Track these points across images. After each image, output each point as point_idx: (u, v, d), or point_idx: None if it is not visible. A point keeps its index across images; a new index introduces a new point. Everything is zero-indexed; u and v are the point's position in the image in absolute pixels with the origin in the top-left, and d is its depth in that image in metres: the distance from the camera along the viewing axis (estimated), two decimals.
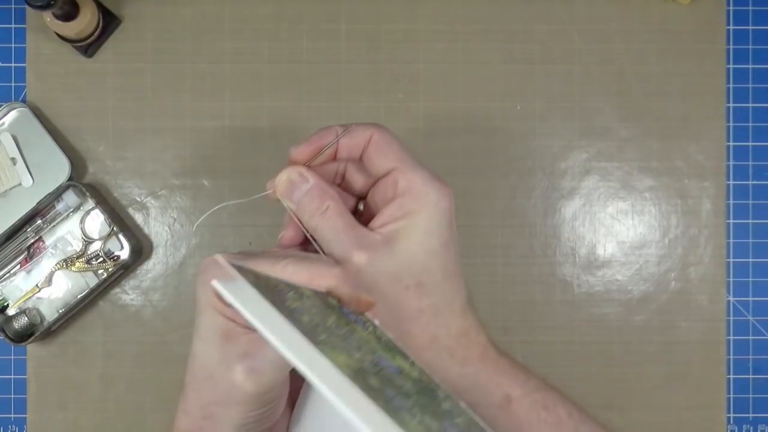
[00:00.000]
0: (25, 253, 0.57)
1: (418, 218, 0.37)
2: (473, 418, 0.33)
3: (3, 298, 0.57)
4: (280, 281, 0.33)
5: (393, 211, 0.38)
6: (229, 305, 0.29)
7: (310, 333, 0.28)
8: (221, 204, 0.46)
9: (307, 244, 0.40)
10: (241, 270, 0.31)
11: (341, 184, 0.41)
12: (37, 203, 0.56)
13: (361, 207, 0.42)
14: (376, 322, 0.36)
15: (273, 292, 0.30)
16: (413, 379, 0.32)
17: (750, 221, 0.59)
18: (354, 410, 0.24)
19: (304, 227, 0.39)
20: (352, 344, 0.31)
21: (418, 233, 0.37)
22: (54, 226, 0.57)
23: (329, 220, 0.37)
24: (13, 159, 0.57)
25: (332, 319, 0.32)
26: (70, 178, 0.56)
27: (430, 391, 0.32)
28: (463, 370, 0.37)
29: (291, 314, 0.29)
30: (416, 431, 0.26)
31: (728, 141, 0.59)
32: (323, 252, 0.38)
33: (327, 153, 0.41)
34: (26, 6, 0.54)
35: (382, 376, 0.29)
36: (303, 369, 0.25)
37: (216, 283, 0.29)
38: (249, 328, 0.34)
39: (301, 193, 0.39)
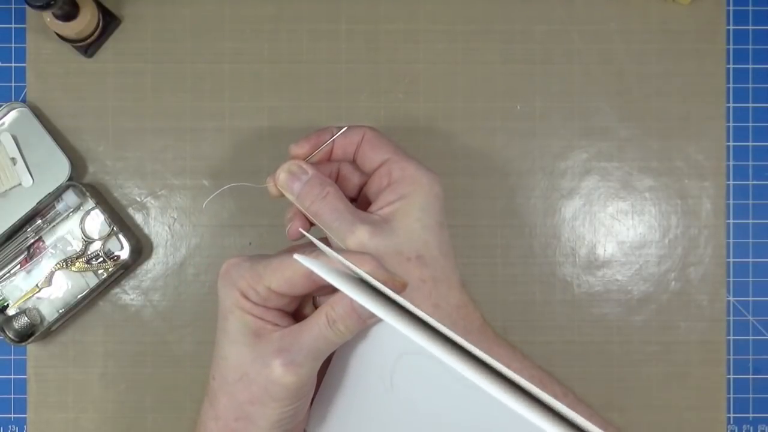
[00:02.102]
0: (25, 253, 0.57)
1: (413, 199, 0.40)
2: None
3: (3, 298, 0.57)
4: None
5: (388, 195, 0.40)
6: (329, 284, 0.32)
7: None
8: (231, 184, 0.47)
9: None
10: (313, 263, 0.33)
11: (336, 183, 0.43)
12: (37, 203, 0.56)
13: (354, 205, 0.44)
14: (403, 300, 0.38)
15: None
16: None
17: (750, 221, 0.59)
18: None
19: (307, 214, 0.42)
20: None
21: (414, 211, 0.40)
22: (54, 226, 0.57)
23: (330, 204, 0.40)
24: (13, 159, 0.57)
25: None
26: (70, 178, 0.56)
27: None
28: (465, 339, 0.38)
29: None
30: None
31: (728, 141, 0.59)
32: (332, 240, 0.40)
33: (323, 152, 0.43)
34: (26, 6, 0.54)
35: None
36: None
37: (309, 263, 0.32)
38: (278, 324, 0.36)
39: (301, 184, 0.41)
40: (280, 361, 0.34)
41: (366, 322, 0.35)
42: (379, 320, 0.35)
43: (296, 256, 0.32)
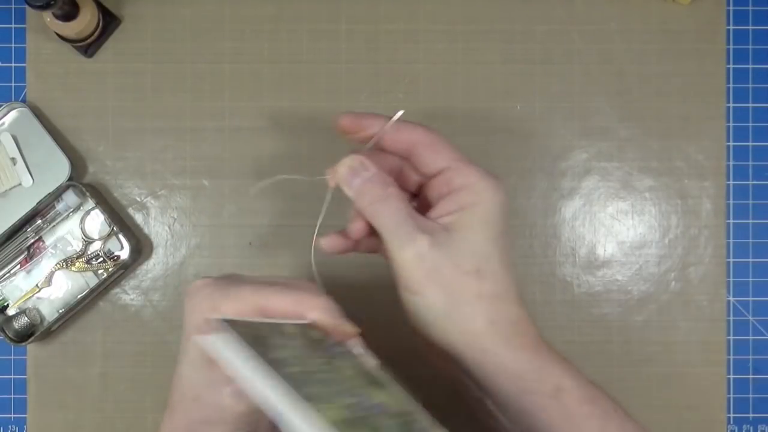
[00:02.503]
0: (25, 253, 0.57)
1: (475, 209, 0.38)
2: None
3: (3, 298, 0.57)
4: (266, 325, 0.33)
5: (449, 205, 0.39)
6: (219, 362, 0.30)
7: (301, 385, 0.29)
8: (282, 176, 0.45)
9: (374, 236, 0.40)
10: (231, 323, 0.31)
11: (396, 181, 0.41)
12: (37, 203, 0.56)
13: (414, 204, 0.42)
14: (356, 351, 0.37)
15: (261, 343, 0.30)
16: (394, 414, 0.33)
17: (750, 221, 0.59)
18: None
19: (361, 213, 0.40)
20: (341, 388, 0.32)
21: (476, 223, 0.38)
22: (54, 226, 0.57)
23: (391, 207, 0.38)
24: (13, 159, 0.57)
25: (318, 362, 0.33)
26: (70, 178, 0.56)
27: (408, 425, 0.33)
28: (518, 355, 0.38)
29: (281, 367, 0.29)
30: None
31: (728, 141, 0.59)
32: (385, 241, 0.39)
33: (368, 137, 0.41)
34: (26, 6, 0.54)
35: (370, 422, 0.30)
36: (299, 423, 0.26)
37: (202, 339, 0.30)
38: None
39: (361, 181, 0.39)
40: (230, 390, 0.35)
41: None
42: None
43: (199, 339, 0.31)
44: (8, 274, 0.57)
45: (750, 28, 0.59)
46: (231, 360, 0.29)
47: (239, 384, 0.29)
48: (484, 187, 0.39)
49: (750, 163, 0.59)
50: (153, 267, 0.59)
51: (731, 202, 0.59)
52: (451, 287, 0.37)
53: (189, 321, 0.37)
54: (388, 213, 0.38)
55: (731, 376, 0.58)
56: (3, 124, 0.57)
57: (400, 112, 0.41)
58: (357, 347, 0.37)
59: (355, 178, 0.40)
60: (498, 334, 0.38)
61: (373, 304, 0.58)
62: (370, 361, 0.37)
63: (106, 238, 0.57)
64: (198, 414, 0.36)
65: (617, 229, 0.59)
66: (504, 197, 0.39)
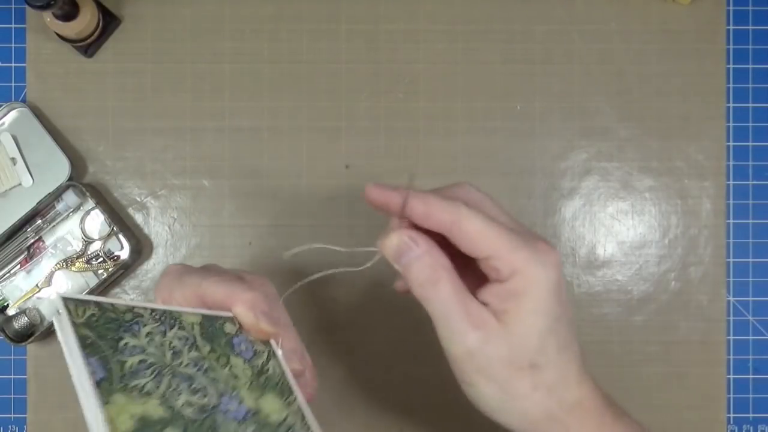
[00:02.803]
0: (25, 253, 0.57)
1: (526, 298, 0.35)
2: None
3: (3, 298, 0.57)
4: (137, 311, 0.34)
5: (498, 291, 0.35)
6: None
7: (121, 377, 0.30)
8: (313, 245, 0.39)
9: (448, 249, 0.37)
10: (76, 301, 0.31)
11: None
12: (37, 203, 0.56)
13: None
14: (279, 352, 0.38)
15: (110, 327, 0.32)
16: (265, 423, 0.34)
17: (750, 221, 0.59)
18: None
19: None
20: (195, 384, 0.33)
21: (528, 314, 0.35)
22: (54, 226, 0.57)
23: (440, 294, 0.35)
24: (13, 159, 0.57)
25: (195, 354, 0.34)
26: (70, 178, 0.56)
27: None
28: None
29: (114, 354, 0.31)
30: None
31: (728, 141, 0.59)
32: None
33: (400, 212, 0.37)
34: (26, 6, 0.54)
35: (200, 424, 0.31)
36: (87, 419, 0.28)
37: (54, 299, 0.32)
38: None
39: (410, 260, 0.36)
40: None
41: (267, 334, 0.37)
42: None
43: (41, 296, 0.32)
44: (8, 274, 0.57)
45: (750, 28, 0.59)
46: (60, 339, 0.30)
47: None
48: (534, 274, 0.35)
49: (750, 163, 0.59)
50: (153, 267, 0.59)
51: (731, 202, 0.59)
52: (505, 383, 0.35)
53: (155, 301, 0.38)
54: (437, 300, 0.35)
55: (731, 376, 0.58)
56: (3, 124, 0.57)
57: (431, 198, 0.36)
58: (279, 349, 0.38)
59: (402, 257, 0.36)
60: (556, 423, 0.36)
61: (372, 306, 0.58)
62: (286, 367, 0.37)
63: (106, 238, 0.57)
64: None
65: (617, 229, 0.59)
66: (556, 275, 0.35)
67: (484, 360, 0.35)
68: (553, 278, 0.35)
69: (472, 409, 0.37)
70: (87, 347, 0.30)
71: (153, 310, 0.34)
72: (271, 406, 0.35)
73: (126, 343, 0.32)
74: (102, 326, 0.31)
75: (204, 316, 0.36)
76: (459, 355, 0.35)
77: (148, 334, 0.33)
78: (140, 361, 0.31)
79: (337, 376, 0.58)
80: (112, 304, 0.33)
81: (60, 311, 0.30)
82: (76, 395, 0.26)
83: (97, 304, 0.32)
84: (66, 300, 0.31)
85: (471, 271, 0.37)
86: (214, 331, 0.36)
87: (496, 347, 0.35)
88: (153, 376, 0.31)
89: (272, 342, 0.38)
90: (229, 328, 0.37)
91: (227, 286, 0.37)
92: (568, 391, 0.36)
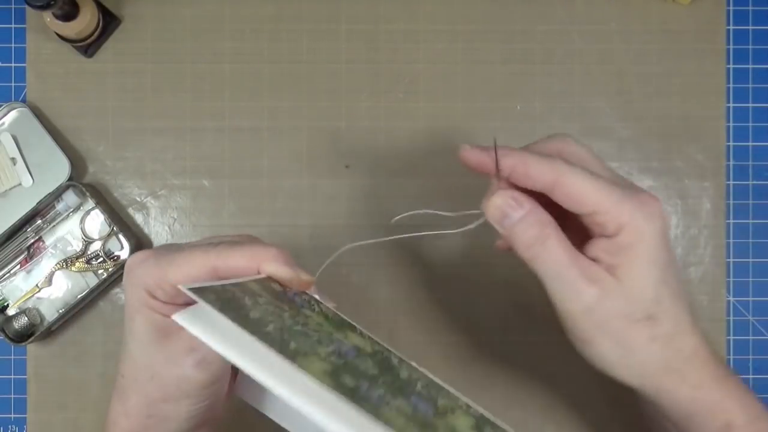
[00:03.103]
0: (25, 253, 0.57)
1: (637, 251, 0.35)
2: (427, 375, 0.33)
3: (3, 298, 0.57)
4: (229, 287, 0.31)
5: (607, 246, 0.35)
6: (198, 339, 0.27)
7: (281, 344, 0.28)
8: (420, 211, 0.39)
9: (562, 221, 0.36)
10: (199, 290, 0.29)
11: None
12: (37, 203, 0.56)
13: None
14: (317, 296, 0.36)
15: (233, 306, 0.29)
16: (370, 354, 0.33)
17: (750, 221, 0.59)
18: (352, 428, 0.25)
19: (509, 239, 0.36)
20: (315, 338, 0.31)
21: (641, 266, 0.35)
22: (54, 226, 0.57)
23: (550, 252, 0.35)
24: (13, 159, 0.57)
25: (287, 314, 0.32)
26: (70, 178, 0.56)
27: (387, 362, 0.33)
28: (694, 393, 0.37)
29: (258, 328, 0.28)
30: (397, 422, 0.26)
31: (728, 141, 0.59)
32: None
33: (489, 167, 0.37)
34: (26, 6, 0.54)
35: (350, 367, 0.30)
36: (288, 395, 0.25)
37: (180, 319, 0.27)
38: None
39: (514, 221, 0.35)
40: (191, 360, 0.34)
41: None
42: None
43: (175, 317, 0.27)
44: (8, 274, 0.57)
45: (750, 28, 0.59)
46: (209, 331, 0.27)
47: (221, 355, 0.27)
48: (641, 226, 0.34)
49: (750, 163, 0.59)
50: None
51: (731, 202, 0.59)
52: (623, 337, 0.35)
53: (132, 296, 0.35)
54: (548, 260, 0.35)
55: None
56: (3, 124, 0.57)
57: (528, 158, 0.35)
58: (316, 294, 0.36)
59: (506, 219, 0.36)
60: (674, 373, 0.36)
61: (376, 303, 0.58)
62: (330, 306, 0.36)
63: (106, 238, 0.57)
64: (156, 393, 0.35)
65: None
66: (662, 224, 0.35)
67: (602, 316, 0.34)
68: (659, 228, 0.35)
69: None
70: (241, 323, 0.27)
71: (230, 285, 0.31)
72: (357, 340, 0.34)
73: (254, 314, 0.29)
74: (230, 304, 0.29)
75: (257, 282, 0.34)
76: (576, 313, 0.35)
77: (254, 299, 0.31)
78: (275, 328, 0.29)
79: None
80: (212, 286, 0.30)
81: (201, 302, 0.27)
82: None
83: (210, 288, 0.29)
84: (194, 290, 0.28)
85: (572, 228, 0.36)
86: (272, 291, 0.34)
87: (614, 302, 0.34)
88: (291, 339, 0.29)
89: (310, 290, 0.36)
90: (275, 286, 0.34)
91: (244, 251, 0.34)
92: (684, 340, 0.36)
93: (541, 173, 0.35)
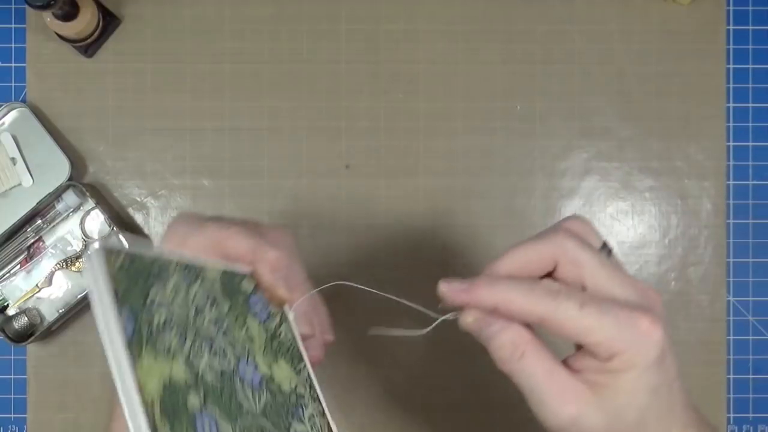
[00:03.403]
0: (25, 253, 0.57)
1: (624, 379, 0.33)
2: None
3: (3, 298, 0.57)
4: (174, 260, 0.32)
5: (595, 366, 0.33)
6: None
7: (149, 334, 0.29)
8: (394, 330, 0.36)
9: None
10: (110, 251, 0.29)
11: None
12: (37, 203, 0.56)
13: None
14: (291, 317, 0.37)
15: (140, 281, 0.30)
16: (277, 390, 0.33)
17: (750, 221, 0.59)
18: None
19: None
20: (215, 346, 0.31)
21: (626, 393, 0.33)
22: (54, 226, 0.57)
23: (526, 369, 0.33)
24: (13, 159, 0.57)
25: (215, 313, 0.32)
26: (70, 178, 0.56)
27: (289, 405, 0.33)
28: None
29: (142, 309, 0.29)
30: None
31: (728, 141, 0.59)
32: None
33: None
34: (26, 6, 0.54)
35: (219, 391, 0.30)
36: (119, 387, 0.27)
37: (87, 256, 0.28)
38: None
39: (489, 335, 0.33)
40: None
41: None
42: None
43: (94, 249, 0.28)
44: (8, 274, 0.57)
45: (750, 28, 0.59)
46: (91, 289, 0.28)
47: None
48: (634, 356, 0.32)
49: (750, 163, 0.59)
50: None
51: (731, 202, 0.59)
52: None
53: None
54: (525, 375, 0.33)
55: (731, 376, 0.58)
56: (3, 124, 0.57)
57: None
58: (290, 313, 0.37)
59: (482, 332, 0.34)
60: None
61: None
62: (296, 332, 0.37)
63: (106, 238, 0.57)
64: None
65: (617, 229, 0.59)
66: (659, 352, 0.33)
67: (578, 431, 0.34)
68: (653, 357, 0.33)
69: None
70: (119, 300, 0.28)
71: (178, 262, 0.32)
72: (283, 373, 0.34)
73: (152, 300, 0.30)
74: (132, 277, 0.30)
75: (224, 271, 0.34)
76: (552, 428, 0.34)
77: (173, 287, 0.31)
78: (166, 321, 0.30)
79: (340, 375, 0.58)
80: (141, 253, 0.31)
81: (95, 256, 0.28)
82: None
83: (129, 253, 0.30)
84: (101, 249, 0.28)
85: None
86: (233, 287, 0.34)
87: (592, 420, 0.33)
88: (178, 335, 0.30)
89: (285, 306, 0.37)
90: (245, 286, 0.35)
91: (253, 241, 0.35)
92: None
93: (526, 313, 0.32)
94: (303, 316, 0.37)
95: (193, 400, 0.28)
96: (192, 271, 0.33)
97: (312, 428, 0.34)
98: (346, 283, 0.36)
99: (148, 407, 0.26)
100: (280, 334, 0.36)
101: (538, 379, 0.33)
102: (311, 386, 0.35)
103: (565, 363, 0.34)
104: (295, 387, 0.34)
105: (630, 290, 0.34)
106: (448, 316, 0.34)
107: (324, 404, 0.35)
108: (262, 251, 0.35)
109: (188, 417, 0.28)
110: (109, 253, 0.28)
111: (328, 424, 0.35)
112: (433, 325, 0.35)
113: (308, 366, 0.36)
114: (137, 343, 0.28)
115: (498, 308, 0.32)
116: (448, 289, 0.33)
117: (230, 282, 0.34)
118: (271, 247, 0.35)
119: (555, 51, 0.59)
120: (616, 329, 0.32)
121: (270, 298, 0.36)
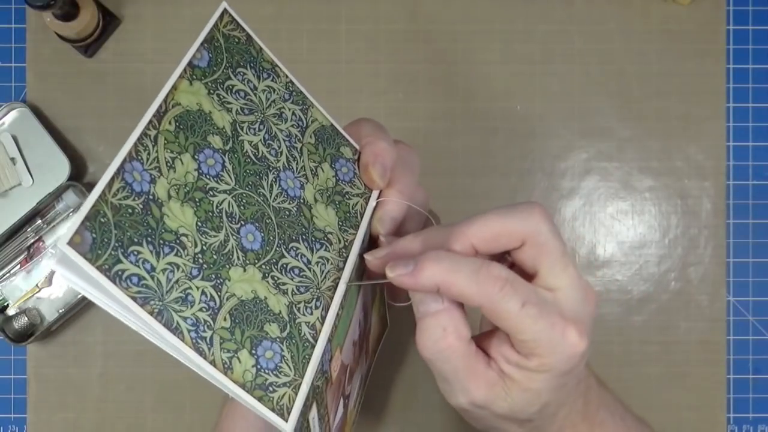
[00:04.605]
0: (25, 253, 0.57)
1: (537, 378, 0.33)
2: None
3: (3, 298, 0.57)
4: (286, 76, 0.37)
5: (513, 357, 0.33)
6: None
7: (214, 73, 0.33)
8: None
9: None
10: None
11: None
12: (37, 203, 0.56)
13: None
14: (372, 204, 0.37)
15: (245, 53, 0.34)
16: (305, 216, 0.34)
17: (750, 221, 0.59)
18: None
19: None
20: (272, 141, 0.34)
21: (533, 393, 0.34)
22: (54, 226, 0.57)
23: (449, 357, 0.33)
24: (13, 159, 0.57)
25: (296, 132, 0.36)
26: (70, 178, 0.56)
27: (304, 232, 0.33)
28: None
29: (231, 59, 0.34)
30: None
31: (728, 141, 0.59)
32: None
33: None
34: (26, 6, 0.54)
35: (248, 160, 0.32)
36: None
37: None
38: None
39: (423, 312, 0.33)
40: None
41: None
42: None
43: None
44: (8, 274, 0.57)
45: (750, 28, 0.59)
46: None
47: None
48: (551, 361, 0.33)
49: (750, 163, 0.59)
50: None
51: (731, 202, 0.59)
52: (497, 426, 0.36)
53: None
54: (442, 360, 0.34)
55: (731, 376, 0.58)
56: (3, 124, 0.57)
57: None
58: (373, 200, 0.37)
59: (418, 306, 0.34)
60: None
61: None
62: (368, 216, 0.37)
63: None
64: None
65: (617, 229, 0.59)
66: (572, 365, 0.34)
67: (481, 414, 0.35)
68: (566, 368, 0.34)
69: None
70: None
71: (291, 83, 0.35)
72: (325, 216, 0.35)
73: (244, 74, 0.34)
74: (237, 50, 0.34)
75: (332, 126, 0.37)
76: (456, 407, 0.35)
77: (268, 87, 0.35)
78: (243, 91, 0.33)
79: None
80: (261, 47, 0.36)
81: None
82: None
83: (249, 37, 0.35)
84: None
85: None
86: (329, 140, 0.36)
87: (496, 406, 0.34)
88: (243, 101, 0.33)
89: (374, 192, 0.37)
90: (344, 149, 0.37)
91: (379, 128, 0.39)
92: (555, 419, 0.36)
93: (466, 298, 0.32)
94: (390, 220, 0.37)
95: (215, 140, 0.31)
96: (297, 97, 0.36)
97: (317, 265, 0.33)
98: (353, 283, 0.36)
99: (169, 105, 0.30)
100: (349, 199, 0.36)
101: (457, 369, 0.33)
102: (345, 258, 0.34)
103: (481, 339, 0.35)
104: (328, 234, 0.34)
105: (576, 286, 0.35)
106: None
107: (347, 274, 0.34)
108: (381, 138, 0.38)
109: (197, 144, 0.30)
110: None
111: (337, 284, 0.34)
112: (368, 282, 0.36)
113: (357, 242, 0.35)
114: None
115: (440, 290, 0.32)
116: (393, 273, 0.32)
117: (331, 136, 0.37)
118: (390, 143, 0.38)
119: (555, 51, 0.59)
120: (546, 334, 0.33)
121: (363, 175, 0.37)
